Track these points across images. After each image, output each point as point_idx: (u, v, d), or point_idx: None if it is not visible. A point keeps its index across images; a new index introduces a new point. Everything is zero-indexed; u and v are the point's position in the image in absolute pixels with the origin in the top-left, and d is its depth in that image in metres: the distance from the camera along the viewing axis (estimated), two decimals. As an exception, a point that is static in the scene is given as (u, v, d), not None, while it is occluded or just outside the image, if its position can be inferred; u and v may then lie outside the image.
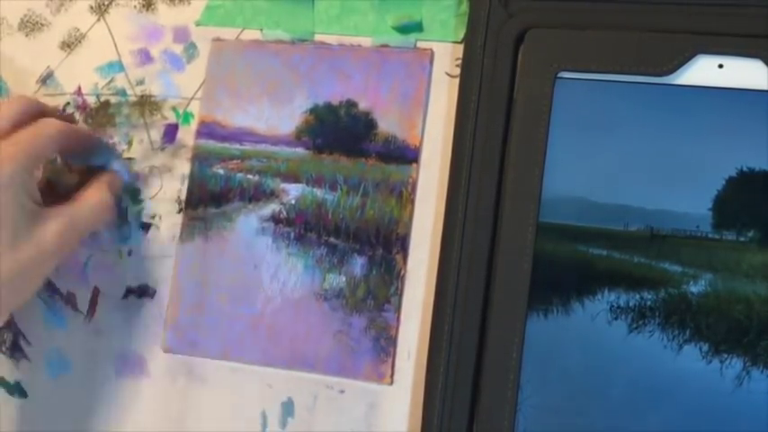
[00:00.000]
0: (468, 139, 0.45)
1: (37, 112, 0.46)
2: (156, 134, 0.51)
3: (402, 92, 0.48)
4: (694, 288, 0.42)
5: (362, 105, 0.48)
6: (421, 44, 0.48)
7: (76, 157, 0.49)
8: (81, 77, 0.53)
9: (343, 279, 0.47)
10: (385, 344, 0.46)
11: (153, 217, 0.51)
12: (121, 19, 0.53)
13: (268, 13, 0.50)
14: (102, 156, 0.50)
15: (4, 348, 0.52)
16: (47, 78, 0.53)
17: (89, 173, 0.49)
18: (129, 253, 0.51)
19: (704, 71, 0.42)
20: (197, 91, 0.51)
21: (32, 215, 0.43)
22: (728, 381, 0.40)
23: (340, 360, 0.46)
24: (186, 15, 0.52)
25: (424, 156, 0.47)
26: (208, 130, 0.50)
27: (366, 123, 0.48)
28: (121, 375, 0.50)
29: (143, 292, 0.50)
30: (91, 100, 0.52)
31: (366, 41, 0.49)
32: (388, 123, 0.48)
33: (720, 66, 0.42)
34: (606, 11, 0.44)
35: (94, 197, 0.47)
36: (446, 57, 0.48)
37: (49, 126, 0.45)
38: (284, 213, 0.49)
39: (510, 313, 0.42)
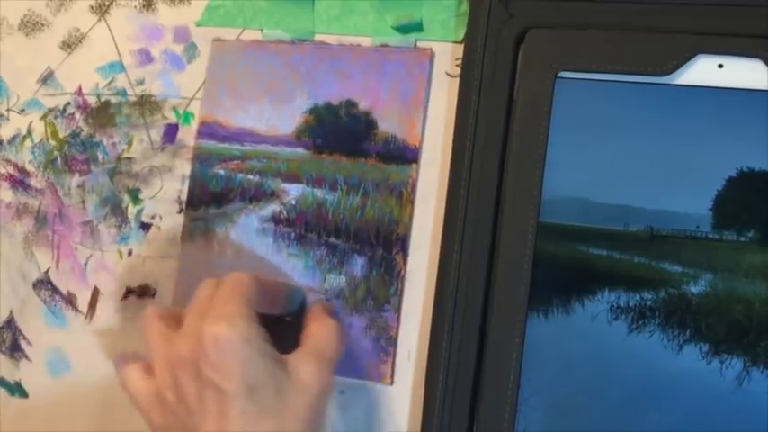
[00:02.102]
0: (469, 139, 0.45)
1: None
2: (157, 134, 0.51)
3: (402, 92, 0.48)
4: (694, 288, 0.42)
5: (362, 105, 0.48)
6: (421, 44, 0.48)
7: (274, 307, 0.45)
8: (81, 77, 0.53)
9: (344, 279, 0.47)
10: (385, 344, 0.46)
11: (153, 217, 0.51)
12: (122, 19, 0.53)
13: (268, 14, 0.50)
14: (295, 298, 0.47)
15: (4, 348, 0.52)
16: (47, 78, 0.53)
17: (291, 320, 0.47)
18: (130, 253, 0.51)
19: (704, 71, 0.42)
20: (197, 91, 0.51)
21: (282, 364, 0.41)
22: (728, 381, 0.40)
23: (340, 360, 0.46)
24: (186, 15, 0.52)
25: (424, 156, 0.47)
26: (208, 130, 0.50)
27: (366, 123, 0.48)
28: (121, 375, 0.49)
29: (143, 292, 0.50)
30: (91, 100, 0.52)
31: (366, 41, 0.49)
32: (388, 123, 0.48)
33: (720, 66, 0.42)
34: (606, 11, 0.44)
35: (323, 327, 0.44)
36: (446, 57, 0.48)
37: (242, 277, 0.43)
38: (285, 214, 0.49)
39: (510, 313, 0.42)
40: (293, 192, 0.49)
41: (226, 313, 0.40)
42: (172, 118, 0.51)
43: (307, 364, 0.41)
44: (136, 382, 0.43)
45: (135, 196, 0.51)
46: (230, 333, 0.39)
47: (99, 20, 0.53)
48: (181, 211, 0.50)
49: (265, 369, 0.40)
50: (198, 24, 0.51)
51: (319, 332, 0.44)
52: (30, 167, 0.53)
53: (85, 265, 0.51)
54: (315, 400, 0.41)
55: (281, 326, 0.45)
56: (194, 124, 0.51)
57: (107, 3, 0.53)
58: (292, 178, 0.49)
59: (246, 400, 0.39)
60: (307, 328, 0.44)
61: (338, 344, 0.44)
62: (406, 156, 0.47)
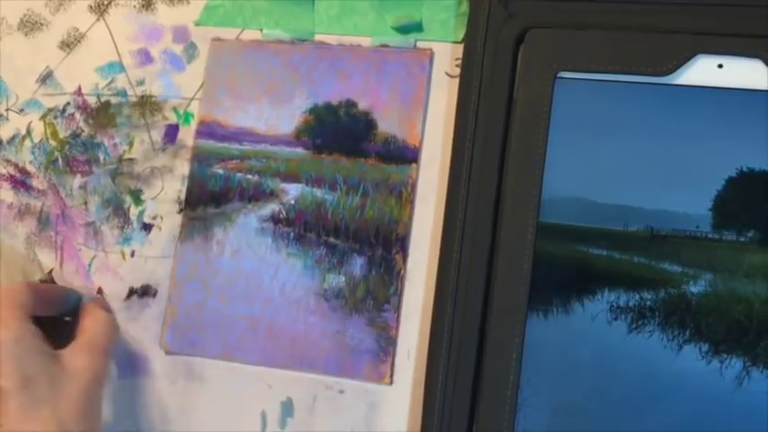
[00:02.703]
0: (468, 139, 0.45)
1: None
2: (157, 135, 0.51)
3: (402, 92, 0.48)
4: (694, 288, 0.42)
5: (362, 105, 0.48)
6: (421, 44, 0.48)
7: (49, 309, 0.48)
8: (81, 77, 0.53)
9: (343, 279, 0.47)
10: (385, 344, 0.46)
11: (154, 218, 0.51)
12: (121, 19, 0.53)
13: (268, 13, 0.50)
14: (70, 299, 0.49)
15: (5, 348, 0.52)
16: (46, 78, 0.53)
17: (70, 320, 0.49)
18: (132, 254, 0.51)
19: (704, 71, 0.42)
20: (197, 91, 0.51)
21: (55, 358, 0.44)
22: (728, 381, 0.40)
23: (340, 360, 0.46)
24: (186, 15, 0.51)
25: (424, 156, 0.47)
26: (207, 129, 0.50)
27: (366, 123, 0.48)
28: (121, 375, 0.50)
29: (145, 292, 0.50)
30: (91, 100, 0.52)
31: (366, 41, 0.49)
32: (388, 123, 0.48)
33: (720, 66, 0.42)
34: (606, 11, 0.43)
35: (94, 320, 0.48)
36: (446, 57, 0.47)
37: (15, 285, 0.47)
38: (284, 213, 0.49)
39: (510, 313, 0.42)
40: (292, 191, 0.49)
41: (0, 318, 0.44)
42: (172, 118, 0.51)
43: (79, 355, 0.45)
44: None
45: (137, 197, 0.51)
46: (3, 335, 0.43)
47: (98, 19, 0.53)
48: (181, 211, 0.50)
49: (38, 364, 0.44)
50: (197, 24, 0.51)
51: (91, 325, 0.47)
52: (30, 168, 0.53)
53: (89, 265, 0.51)
54: (88, 386, 0.44)
55: (59, 326, 0.48)
56: (194, 124, 0.51)
57: (106, 2, 0.53)
58: (291, 178, 0.49)
59: (22, 394, 0.42)
60: (81, 323, 0.48)
61: (109, 333, 0.48)
62: (405, 156, 0.47)
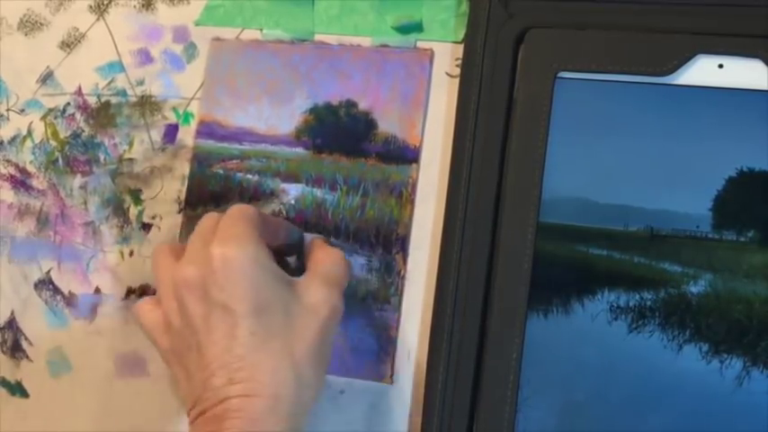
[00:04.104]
0: (469, 139, 0.45)
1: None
2: (157, 135, 0.51)
3: (402, 92, 0.48)
4: (694, 288, 0.42)
5: (362, 105, 0.48)
6: (421, 44, 0.48)
7: (275, 239, 0.44)
8: (81, 77, 0.53)
9: (344, 279, 0.47)
10: (385, 344, 0.46)
11: (153, 217, 0.51)
12: (121, 19, 0.53)
13: (268, 13, 0.50)
14: (293, 235, 0.46)
15: (5, 348, 0.52)
16: (46, 78, 0.53)
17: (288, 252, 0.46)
18: (131, 254, 0.51)
19: (704, 71, 0.42)
20: (197, 91, 0.51)
21: (290, 285, 0.41)
22: (728, 381, 0.41)
23: (340, 360, 0.46)
24: (186, 15, 0.51)
25: (424, 156, 0.47)
26: (207, 129, 0.50)
27: (366, 123, 0.48)
28: (121, 375, 0.50)
29: (143, 292, 0.50)
30: (91, 100, 0.52)
31: (366, 41, 0.49)
32: (388, 123, 0.48)
33: (720, 66, 0.42)
34: (606, 11, 0.44)
35: (330, 254, 0.44)
36: (446, 57, 0.48)
37: (245, 206, 0.43)
38: (284, 213, 0.49)
39: (510, 313, 0.43)
40: (293, 191, 0.49)
41: (233, 234, 0.40)
42: (172, 118, 0.51)
43: (316, 288, 0.41)
44: (146, 314, 0.43)
45: (136, 197, 0.51)
46: (239, 253, 0.39)
47: (98, 19, 0.53)
48: (181, 210, 0.50)
49: (274, 291, 0.40)
50: (197, 24, 0.51)
51: (327, 259, 0.43)
52: (31, 168, 0.53)
53: (87, 265, 0.51)
54: (323, 323, 0.41)
55: (280, 259, 0.44)
56: (193, 124, 0.51)
57: (106, 2, 0.53)
58: (292, 178, 0.49)
59: (255, 322, 0.39)
60: (312, 256, 0.44)
61: (345, 269, 0.43)
62: (406, 156, 0.47)
